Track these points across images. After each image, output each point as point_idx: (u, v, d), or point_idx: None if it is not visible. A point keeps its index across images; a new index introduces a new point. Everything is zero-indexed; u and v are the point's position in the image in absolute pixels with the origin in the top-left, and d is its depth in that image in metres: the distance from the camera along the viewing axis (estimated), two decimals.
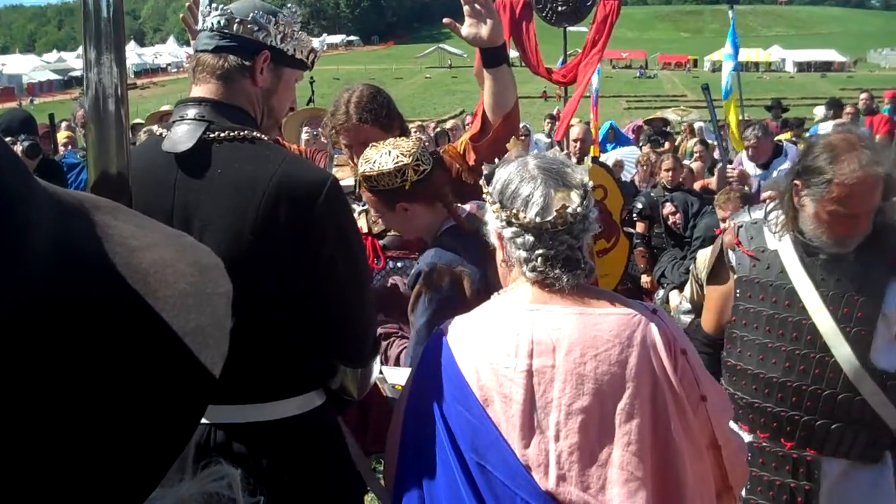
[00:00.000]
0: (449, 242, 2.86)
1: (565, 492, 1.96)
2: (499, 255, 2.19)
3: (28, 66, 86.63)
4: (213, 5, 2.34)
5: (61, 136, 8.90)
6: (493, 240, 2.18)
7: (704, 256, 5.95)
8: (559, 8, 6.94)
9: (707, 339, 3.28)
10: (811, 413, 2.87)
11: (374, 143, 2.98)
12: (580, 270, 2.05)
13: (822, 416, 2.86)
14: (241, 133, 2.25)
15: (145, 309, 0.63)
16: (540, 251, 2.04)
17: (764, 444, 3.00)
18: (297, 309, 2.25)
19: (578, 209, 2.03)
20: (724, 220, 5.78)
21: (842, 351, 2.80)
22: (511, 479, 1.98)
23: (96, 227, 0.67)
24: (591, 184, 2.10)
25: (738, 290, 3.06)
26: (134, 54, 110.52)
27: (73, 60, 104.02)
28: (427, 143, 10.58)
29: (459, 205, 3.03)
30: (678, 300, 6.72)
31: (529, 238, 2.05)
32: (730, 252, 3.11)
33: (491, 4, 3.21)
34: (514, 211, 2.06)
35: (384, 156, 2.86)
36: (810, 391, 2.86)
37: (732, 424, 2.73)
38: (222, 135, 2.23)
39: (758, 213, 3.11)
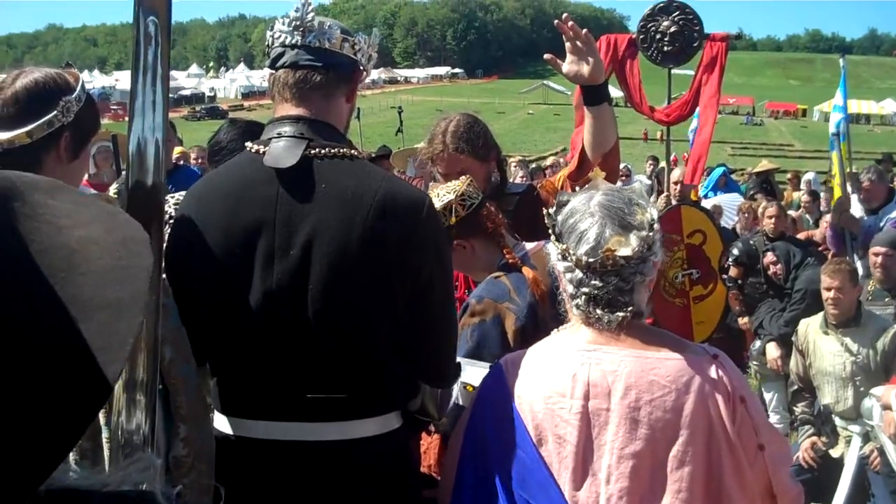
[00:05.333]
0: (501, 277, 2.87)
1: None
2: (561, 288, 2.18)
3: None
4: (309, 20, 2.28)
5: (176, 151, 8.81)
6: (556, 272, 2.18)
7: (805, 327, 5.68)
8: (665, 48, 6.80)
9: None
10: None
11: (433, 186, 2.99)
12: (624, 313, 2.01)
13: None
14: (341, 150, 2.27)
15: (46, 294, 0.65)
16: (585, 289, 2.03)
17: None
18: (393, 324, 2.25)
19: (630, 252, 1.98)
20: (827, 290, 5.39)
21: None
22: None
23: (25, 207, 0.70)
24: (656, 223, 2.05)
25: None
26: (243, 76, 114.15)
27: (184, 79, 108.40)
28: (525, 178, 10.58)
29: (520, 241, 3.00)
30: (776, 353, 6.48)
31: (578, 274, 2.03)
32: None
33: (593, 43, 3.23)
34: (567, 245, 2.05)
35: (435, 199, 2.87)
36: None
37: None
38: (323, 151, 2.24)
39: None
